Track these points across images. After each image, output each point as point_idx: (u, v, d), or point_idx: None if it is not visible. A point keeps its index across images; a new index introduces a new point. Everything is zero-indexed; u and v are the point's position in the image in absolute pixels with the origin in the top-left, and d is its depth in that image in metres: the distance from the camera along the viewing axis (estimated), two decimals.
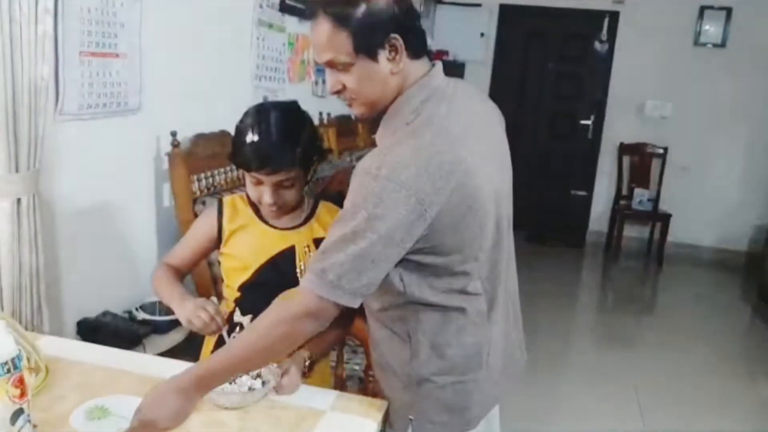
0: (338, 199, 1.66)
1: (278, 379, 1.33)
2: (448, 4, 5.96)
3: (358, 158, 3.69)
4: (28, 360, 1.30)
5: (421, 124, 1.15)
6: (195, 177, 2.48)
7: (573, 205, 6.15)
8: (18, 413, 1.05)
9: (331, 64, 1.17)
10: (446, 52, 5.80)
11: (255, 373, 1.33)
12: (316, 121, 2.16)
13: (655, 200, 5.62)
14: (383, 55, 1.14)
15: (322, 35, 1.15)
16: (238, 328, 1.54)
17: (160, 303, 2.31)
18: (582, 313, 4.71)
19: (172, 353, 2.17)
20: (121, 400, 1.26)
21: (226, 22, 2.93)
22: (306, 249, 1.55)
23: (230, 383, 1.30)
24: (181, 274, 1.58)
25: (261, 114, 1.44)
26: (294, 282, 1.51)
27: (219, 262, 1.60)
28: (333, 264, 1.11)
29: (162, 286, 1.52)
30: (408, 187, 1.07)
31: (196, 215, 2.39)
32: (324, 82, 3.92)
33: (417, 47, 1.18)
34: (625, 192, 5.82)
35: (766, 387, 3.52)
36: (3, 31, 1.62)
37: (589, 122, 6.00)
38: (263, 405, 1.30)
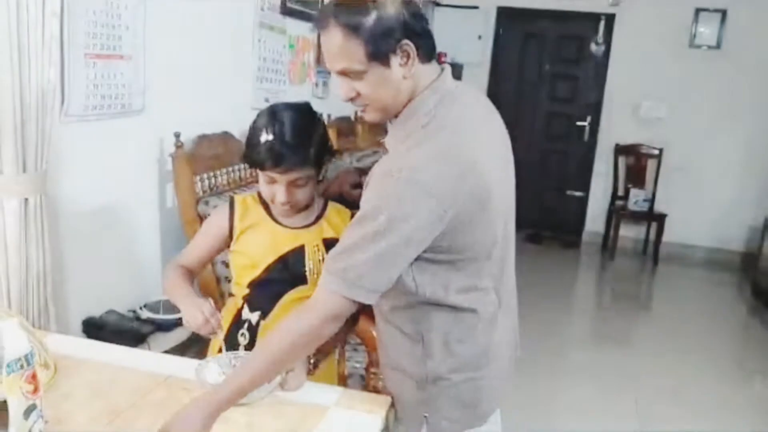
0: (339, 200, 1.70)
1: (284, 376, 1.35)
2: (445, 6, 5.98)
3: (359, 159, 3.71)
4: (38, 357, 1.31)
5: (437, 126, 1.17)
6: (198, 177, 2.50)
7: (569, 206, 6.17)
8: (31, 409, 1.06)
9: (345, 73, 1.17)
10: (444, 54, 5.82)
11: None
12: None
13: (651, 201, 5.64)
14: (395, 60, 1.15)
15: (334, 45, 1.15)
16: (246, 325, 1.56)
17: (164, 302, 2.34)
18: (578, 313, 4.73)
19: (176, 351, 2.20)
20: None
21: (228, 24, 2.94)
22: (315, 248, 1.57)
23: None
24: (192, 273, 1.59)
25: (275, 114, 1.47)
26: (302, 280, 1.54)
27: (226, 263, 1.62)
28: (354, 264, 1.13)
29: (170, 286, 1.54)
30: (428, 189, 1.10)
31: (199, 215, 2.41)
32: (324, 83, 3.95)
33: (427, 51, 1.19)
34: (621, 192, 5.84)
35: (761, 386, 3.54)
36: (11, 34, 1.63)
37: (585, 123, 6.02)
38: (269, 401, 1.32)
